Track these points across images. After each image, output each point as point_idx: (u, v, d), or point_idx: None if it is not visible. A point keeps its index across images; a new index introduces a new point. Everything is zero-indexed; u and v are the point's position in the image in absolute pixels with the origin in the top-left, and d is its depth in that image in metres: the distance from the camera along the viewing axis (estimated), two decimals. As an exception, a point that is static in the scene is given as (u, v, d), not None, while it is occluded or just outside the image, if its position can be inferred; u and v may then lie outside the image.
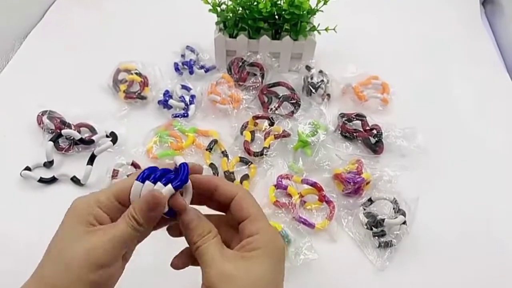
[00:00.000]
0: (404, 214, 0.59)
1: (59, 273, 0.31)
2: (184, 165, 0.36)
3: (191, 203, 0.37)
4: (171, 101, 0.75)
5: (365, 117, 0.73)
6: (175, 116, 0.74)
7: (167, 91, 0.77)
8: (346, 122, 0.73)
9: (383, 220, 0.58)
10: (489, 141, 0.74)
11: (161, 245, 0.41)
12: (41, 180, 0.64)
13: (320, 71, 0.79)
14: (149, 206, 0.34)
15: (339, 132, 0.72)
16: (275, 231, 0.37)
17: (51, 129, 0.70)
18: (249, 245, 0.35)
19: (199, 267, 0.35)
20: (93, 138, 0.69)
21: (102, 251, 0.32)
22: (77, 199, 0.35)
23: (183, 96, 0.76)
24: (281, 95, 0.77)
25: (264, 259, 0.34)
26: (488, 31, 1.01)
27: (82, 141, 0.68)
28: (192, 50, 0.86)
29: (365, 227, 0.60)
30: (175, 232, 0.39)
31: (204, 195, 0.38)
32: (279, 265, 0.35)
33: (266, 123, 0.72)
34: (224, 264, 0.33)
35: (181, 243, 0.38)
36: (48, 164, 0.66)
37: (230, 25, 0.78)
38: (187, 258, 0.38)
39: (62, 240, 0.33)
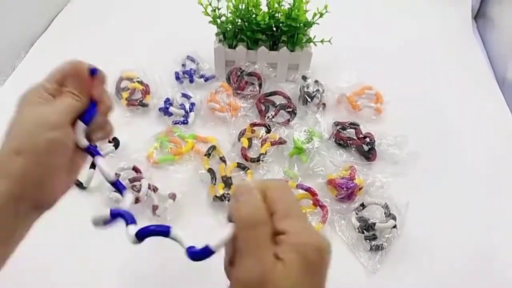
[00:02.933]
0: (394, 218, 0.61)
1: (20, 138, 0.37)
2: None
3: None
4: (171, 109, 0.78)
5: (358, 125, 0.76)
6: (175, 123, 0.77)
7: (167, 99, 0.79)
8: (340, 130, 0.75)
9: (374, 224, 0.61)
10: (478, 149, 0.77)
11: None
12: (45, 183, 0.66)
13: (316, 81, 0.82)
14: (74, 74, 0.40)
15: (334, 139, 0.75)
16: (312, 232, 0.31)
17: (55, 134, 0.72)
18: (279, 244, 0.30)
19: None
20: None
21: (52, 113, 0.38)
22: (26, 92, 0.40)
23: (183, 104, 0.79)
24: (278, 103, 0.79)
25: (288, 270, 0.28)
26: (480, 44, 1.04)
27: (85, 146, 0.70)
28: (193, 60, 0.89)
29: (357, 231, 0.62)
30: None
31: None
32: (312, 275, 0.29)
33: (263, 130, 0.75)
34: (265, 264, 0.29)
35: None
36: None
37: (230, 36, 0.81)
38: None
39: (21, 118, 0.38)
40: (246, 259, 0.30)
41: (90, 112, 0.41)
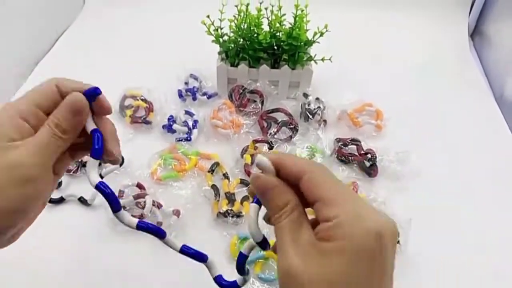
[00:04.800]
0: (398, 234, 0.61)
1: None
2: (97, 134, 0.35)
3: None
4: (175, 126, 0.79)
5: (360, 142, 0.76)
6: (179, 140, 0.77)
7: (171, 116, 0.80)
8: (342, 146, 0.76)
9: (377, 240, 0.61)
10: (478, 165, 0.77)
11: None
12: (50, 200, 0.66)
13: (317, 98, 0.83)
14: (73, 112, 0.33)
15: (335, 156, 0.75)
16: (366, 216, 0.27)
17: (60, 152, 0.73)
18: (324, 233, 0.28)
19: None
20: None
21: (27, 165, 0.30)
22: None
23: (186, 121, 0.80)
24: (279, 120, 0.81)
25: (343, 257, 0.26)
26: (477, 61, 1.06)
27: (89, 163, 0.71)
28: (196, 78, 0.90)
29: (361, 246, 0.62)
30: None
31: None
32: (370, 264, 0.26)
33: (265, 147, 0.76)
34: (293, 257, 0.28)
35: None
36: (57, 185, 0.69)
37: (232, 54, 0.82)
38: None
39: None
40: (280, 252, 0.29)
41: (98, 142, 0.34)
